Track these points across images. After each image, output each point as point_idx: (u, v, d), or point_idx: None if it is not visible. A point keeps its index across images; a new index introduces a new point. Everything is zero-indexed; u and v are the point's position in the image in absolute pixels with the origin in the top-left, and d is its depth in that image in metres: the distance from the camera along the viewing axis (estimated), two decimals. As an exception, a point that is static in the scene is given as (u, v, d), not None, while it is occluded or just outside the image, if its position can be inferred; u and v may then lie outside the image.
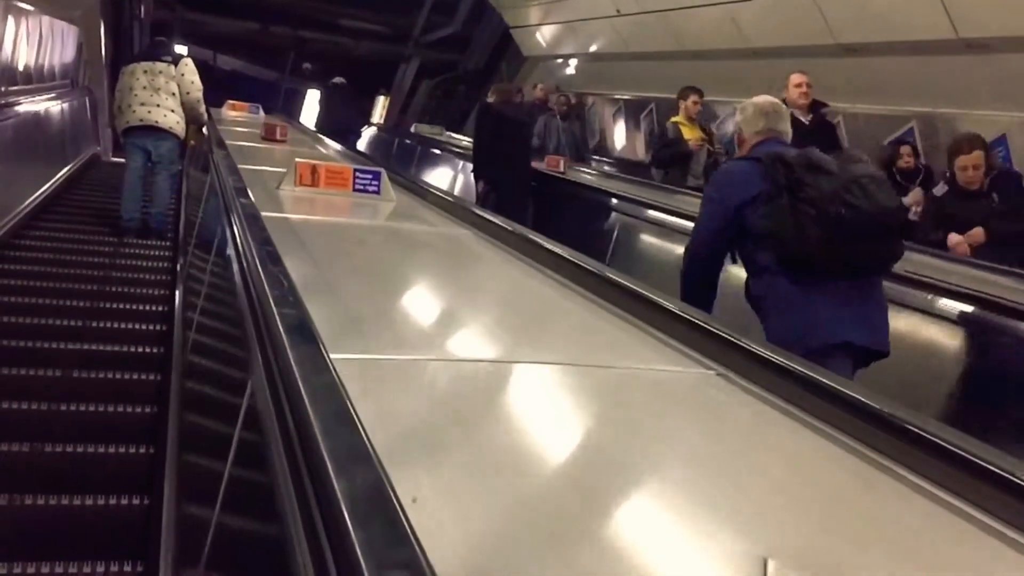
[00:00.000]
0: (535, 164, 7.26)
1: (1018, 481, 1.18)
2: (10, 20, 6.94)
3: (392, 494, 0.88)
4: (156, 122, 6.24)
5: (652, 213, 5.56)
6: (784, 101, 5.22)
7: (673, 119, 6.71)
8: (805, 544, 1.10)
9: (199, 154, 6.33)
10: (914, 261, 3.59)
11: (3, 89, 6.96)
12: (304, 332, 1.41)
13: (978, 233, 4.38)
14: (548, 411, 1.49)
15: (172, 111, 6.31)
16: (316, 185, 3.69)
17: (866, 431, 1.43)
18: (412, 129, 12.69)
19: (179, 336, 3.80)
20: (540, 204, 6.88)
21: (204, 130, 6.65)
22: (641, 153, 10.28)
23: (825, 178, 2.57)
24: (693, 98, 6.67)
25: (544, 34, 12.55)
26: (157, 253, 6.08)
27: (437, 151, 9.84)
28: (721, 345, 1.74)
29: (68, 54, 9.74)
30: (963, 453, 1.26)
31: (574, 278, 2.39)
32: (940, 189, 4.81)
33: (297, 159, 3.78)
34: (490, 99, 7.53)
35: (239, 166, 4.00)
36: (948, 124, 6.09)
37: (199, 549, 1.57)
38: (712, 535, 1.07)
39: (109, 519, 2.74)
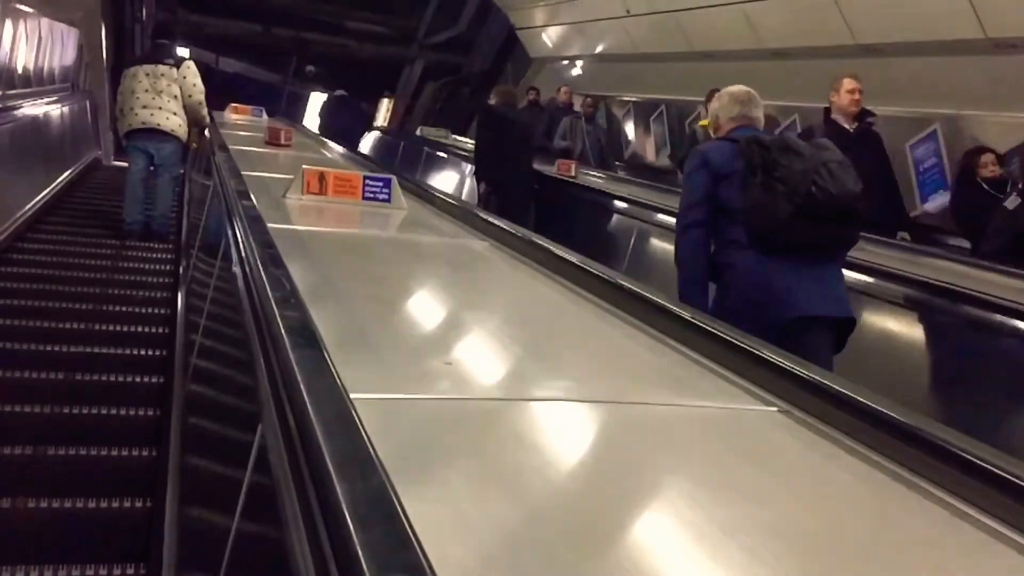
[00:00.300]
0: (546, 167, 7.11)
1: None
2: (9, 23, 6.83)
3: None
4: (158, 125, 6.17)
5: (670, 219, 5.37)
6: (830, 105, 4.98)
7: (701, 122, 6.53)
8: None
9: (201, 158, 6.21)
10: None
11: (2, 93, 6.87)
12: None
13: None
14: (585, 467, 1.33)
15: (174, 114, 6.24)
16: (324, 193, 3.56)
17: (956, 479, 1.27)
18: (417, 132, 12.52)
19: (181, 339, 3.75)
20: (543, 206, 6.73)
21: (207, 132, 6.53)
22: (651, 156, 10.10)
23: (798, 159, 2.77)
24: (721, 101, 6.49)
25: (551, 35, 12.37)
26: (159, 256, 6.04)
27: (443, 155, 9.66)
28: (782, 378, 1.56)
29: (68, 57, 9.68)
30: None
31: (612, 300, 2.22)
32: (1013, 202, 4.29)
33: (304, 166, 3.66)
34: (492, 100, 7.43)
35: (243, 173, 3.85)
36: (973, 127, 5.90)
37: (201, 552, 1.56)
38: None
39: (112, 522, 2.75)
